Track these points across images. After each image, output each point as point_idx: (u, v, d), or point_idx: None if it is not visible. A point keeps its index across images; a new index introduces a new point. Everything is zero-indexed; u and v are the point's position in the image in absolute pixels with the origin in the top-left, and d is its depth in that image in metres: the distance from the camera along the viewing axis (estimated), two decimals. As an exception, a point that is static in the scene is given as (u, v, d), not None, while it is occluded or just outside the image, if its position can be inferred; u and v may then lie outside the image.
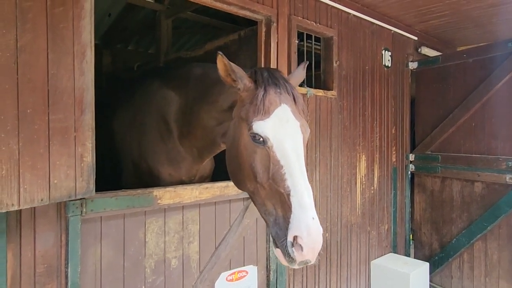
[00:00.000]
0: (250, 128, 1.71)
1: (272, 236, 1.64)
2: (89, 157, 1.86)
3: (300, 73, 2.11)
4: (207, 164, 2.80)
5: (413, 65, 4.62)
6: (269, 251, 2.95)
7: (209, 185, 2.53)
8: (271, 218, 1.65)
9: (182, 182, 2.63)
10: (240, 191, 2.67)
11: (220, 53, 1.75)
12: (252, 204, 2.79)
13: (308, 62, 2.13)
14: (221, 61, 1.77)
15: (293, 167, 1.63)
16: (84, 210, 1.94)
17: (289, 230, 1.52)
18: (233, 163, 1.85)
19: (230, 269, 2.70)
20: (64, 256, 1.91)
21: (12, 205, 1.52)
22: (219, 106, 2.10)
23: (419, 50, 4.81)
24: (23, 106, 1.55)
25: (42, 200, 1.64)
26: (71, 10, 1.77)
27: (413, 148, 4.72)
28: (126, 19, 5.55)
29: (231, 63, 1.79)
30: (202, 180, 2.81)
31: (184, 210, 2.43)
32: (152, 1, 4.63)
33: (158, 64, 4.51)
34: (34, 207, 1.80)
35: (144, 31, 5.80)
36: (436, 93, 4.48)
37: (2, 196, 1.48)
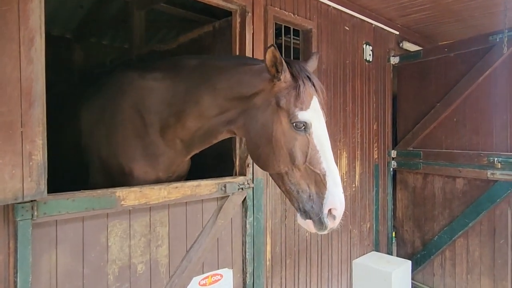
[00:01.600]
0: (294, 117, 1.92)
1: (305, 210, 1.95)
2: (39, 155, 1.68)
3: (314, 64, 2.25)
4: (185, 163, 2.66)
5: (394, 60, 4.55)
6: (245, 252, 2.81)
7: (178, 184, 2.37)
8: (304, 195, 1.94)
9: (159, 180, 2.49)
10: (213, 190, 2.55)
11: (274, 45, 1.88)
12: (226, 204, 2.65)
13: (319, 53, 2.39)
14: (273, 53, 1.89)
15: (327, 152, 1.94)
16: (36, 213, 1.76)
17: (324, 204, 1.88)
18: (265, 148, 2.00)
19: (203, 273, 2.55)
20: (12, 264, 1.72)
21: None
22: (229, 94, 2.14)
23: (401, 45, 4.75)
24: (-45, 98, 1.37)
25: (-20, 203, 1.46)
26: (16, -9, 1.59)
27: (395, 144, 4.65)
28: (99, 12, 5.31)
29: (280, 55, 1.92)
30: (179, 180, 2.65)
31: (152, 212, 2.27)
32: (122, -9, 4.42)
33: (129, 58, 4.31)
34: (-25, 211, 1.62)
35: (118, 25, 5.57)
36: (417, 88, 4.42)
37: None
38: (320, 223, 1.89)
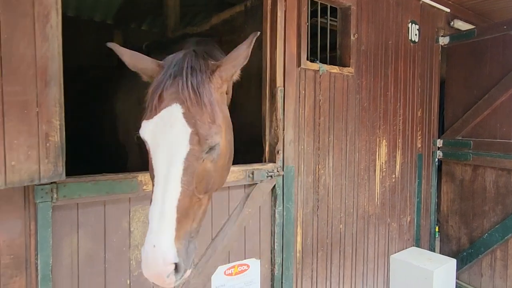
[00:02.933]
0: (139, 127, 1.46)
1: None
2: (57, 136, 1.63)
3: (242, 52, 1.58)
4: None
5: (444, 40, 4.14)
6: (274, 243, 2.68)
7: (203, 170, 2.27)
8: None
9: None
10: (240, 177, 2.43)
11: (110, 43, 1.56)
12: (254, 192, 2.53)
13: (259, 33, 1.61)
14: (113, 47, 1.56)
15: (157, 182, 1.37)
16: (56, 196, 1.73)
17: None
18: None
19: (228, 263, 2.45)
20: (33, 247, 1.71)
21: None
22: None
23: (452, 23, 4.31)
24: (-32, 75, 1.33)
25: (-5, 184, 1.43)
26: (31, -35, 1.52)
27: (441, 133, 4.28)
28: (130, 6, 5.32)
29: (121, 49, 1.57)
30: None
31: (175, 198, 2.19)
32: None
33: (161, 40, 4.27)
34: (-6, 192, 1.60)
35: (157, 11, 5.55)
36: (469, 71, 4.00)
37: None
38: None
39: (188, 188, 1.37)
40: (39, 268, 1.70)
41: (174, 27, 4.39)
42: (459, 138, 4.04)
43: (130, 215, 2.03)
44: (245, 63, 1.61)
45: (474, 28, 4.07)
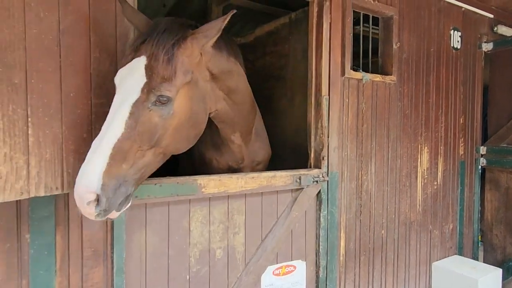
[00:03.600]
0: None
1: None
2: (133, 143, 1.83)
3: (214, 24, 1.72)
4: (256, 150, 2.72)
5: (487, 46, 4.10)
6: (318, 246, 2.78)
7: (255, 174, 2.42)
8: None
9: (231, 169, 2.61)
10: (288, 182, 2.56)
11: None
12: (300, 196, 2.65)
13: (235, 11, 1.74)
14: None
15: (106, 120, 1.51)
16: (129, 196, 1.92)
17: None
18: None
19: (277, 263, 2.58)
20: (110, 241, 1.92)
21: (56, 188, 1.53)
22: None
23: (495, 29, 4.25)
24: (66, 90, 1.55)
25: (85, 184, 1.63)
26: (115, -8, 1.73)
27: (484, 140, 4.22)
28: (180, 9, 5.60)
29: (127, 3, 1.74)
30: (255, 165, 2.74)
31: (230, 200, 2.35)
32: (203, -10, 4.60)
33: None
34: (80, 192, 1.81)
35: (198, 20, 5.82)
36: (514, 77, 3.94)
37: (46, 180, 1.49)
38: None
39: (129, 132, 1.49)
40: (114, 260, 1.90)
41: (217, 38, 4.60)
42: (504, 145, 3.98)
43: (190, 215, 2.20)
44: (217, 35, 1.73)
45: (520, 33, 4.00)
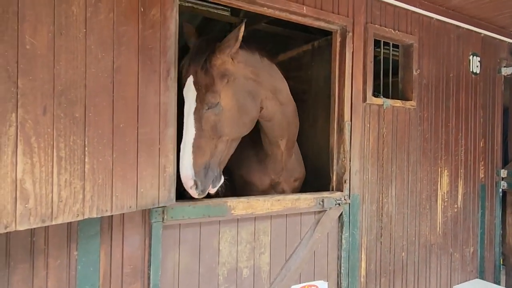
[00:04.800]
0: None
1: None
2: (171, 168, 1.98)
3: (232, 34, 2.16)
4: (297, 165, 3.00)
5: (506, 71, 4.16)
6: (340, 267, 2.86)
7: (280, 197, 2.53)
8: None
9: (271, 182, 2.89)
10: (311, 204, 2.67)
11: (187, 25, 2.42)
12: (323, 218, 2.74)
13: (245, 20, 2.27)
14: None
15: (184, 125, 2.12)
16: (165, 217, 2.07)
17: None
18: None
19: (300, 283, 2.66)
20: (147, 259, 2.05)
21: (106, 211, 1.68)
22: None
23: (514, 54, 4.32)
24: (117, 121, 1.71)
25: (130, 207, 1.78)
26: (159, 32, 1.92)
27: (505, 163, 4.23)
28: (204, 32, 5.85)
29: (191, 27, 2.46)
30: (292, 181, 2.98)
31: (256, 221, 2.47)
32: (227, 14, 4.81)
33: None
34: (123, 213, 1.97)
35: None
36: (535, 102, 3.97)
37: (98, 203, 1.65)
38: None
39: (199, 132, 2.08)
40: (151, 277, 2.03)
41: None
42: (525, 169, 3.99)
43: (220, 236, 2.33)
44: (237, 42, 2.16)
45: (539, 59, 4.05)
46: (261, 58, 2.45)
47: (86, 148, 1.59)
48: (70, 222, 1.79)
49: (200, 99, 2.10)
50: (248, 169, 2.81)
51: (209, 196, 2.26)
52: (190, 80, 2.13)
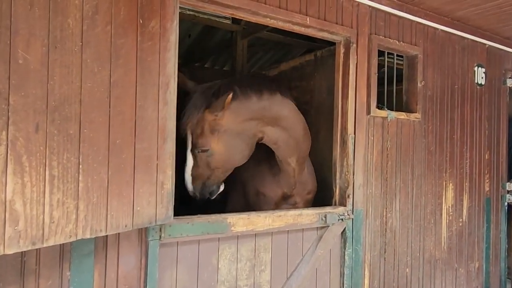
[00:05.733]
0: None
1: None
2: (169, 184, 1.91)
3: (221, 101, 2.30)
4: (309, 178, 2.96)
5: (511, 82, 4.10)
6: (343, 284, 2.77)
7: (282, 213, 2.46)
8: None
9: (285, 196, 2.90)
10: (314, 220, 2.59)
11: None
12: (326, 234, 2.67)
13: (231, 93, 2.30)
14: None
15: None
16: (163, 234, 2.00)
17: None
18: None
19: (301, 301, 2.58)
20: (143, 278, 1.98)
21: (100, 230, 1.61)
22: None
23: (520, 65, 4.26)
24: (113, 137, 1.65)
25: (126, 226, 1.71)
26: (158, 44, 1.85)
27: (511, 176, 4.15)
28: (205, 39, 5.81)
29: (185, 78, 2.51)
30: (305, 194, 2.95)
31: (257, 238, 2.39)
32: (229, 22, 4.78)
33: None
34: (119, 231, 1.89)
35: (221, 50, 6.02)
36: (541, 114, 3.91)
37: (92, 222, 1.57)
38: None
39: (195, 165, 2.41)
40: (147, 298, 1.96)
41: (241, 68, 4.75)
42: (531, 182, 3.91)
43: (219, 253, 2.25)
44: (223, 109, 2.32)
45: (545, 70, 4.00)
46: (259, 98, 2.46)
47: (81, 166, 1.53)
48: (63, 242, 1.72)
49: (193, 143, 2.38)
50: (262, 182, 2.88)
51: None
52: (187, 126, 2.38)
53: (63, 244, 1.73)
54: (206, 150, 2.36)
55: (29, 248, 1.38)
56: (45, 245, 1.43)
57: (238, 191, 3.01)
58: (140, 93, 1.76)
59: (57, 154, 1.45)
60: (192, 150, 2.39)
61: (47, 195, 1.43)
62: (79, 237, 1.53)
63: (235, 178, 2.88)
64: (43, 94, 1.40)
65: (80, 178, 1.53)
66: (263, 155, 2.81)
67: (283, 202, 2.93)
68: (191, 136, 2.38)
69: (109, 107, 1.63)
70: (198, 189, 2.45)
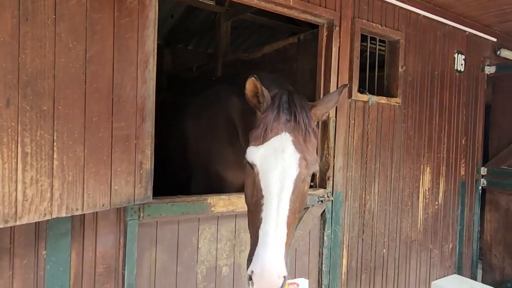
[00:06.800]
0: (244, 151, 1.65)
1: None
2: (148, 164, 1.89)
3: (333, 97, 1.89)
4: None
5: (490, 70, 4.19)
6: (321, 264, 2.83)
7: (262, 194, 2.48)
8: (251, 240, 1.57)
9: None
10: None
11: (254, 75, 1.66)
12: (306, 215, 2.70)
13: (348, 85, 1.96)
14: (253, 83, 1.68)
15: (270, 201, 1.51)
16: (142, 214, 1.99)
17: (252, 262, 1.44)
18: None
19: (280, 281, 2.63)
20: (121, 258, 1.97)
21: (77, 209, 1.59)
22: None
23: (498, 53, 4.35)
24: (90, 115, 1.61)
25: (103, 205, 1.69)
26: (137, 20, 1.81)
27: (485, 161, 4.29)
28: (188, 20, 5.70)
29: (262, 85, 1.69)
30: None
31: (237, 219, 2.41)
32: (212, 3, 4.69)
33: (217, 66, 4.57)
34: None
35: (204, 32, 5.93)
36: (516, 101, 4.02)
37: (68, 201, 1.55)
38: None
39: (293, 206, 1.54)
40: (125, 277, 1.96)
41: (224, 50, 4.69)
42: (505, 167, 4.04)
43: (199, 233, 2.26)
44: (334, 106, 1.97)
45: (522, 58, 4.09)
46: None
47: (55, 143, 1.49)
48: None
49: (305, 164, 1.59)
50: (225, 166, 2.61)
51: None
52: (284, 138, 1.60)
53: (38, 223, 1.70)
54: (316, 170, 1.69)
55: (1, 225, 1.35)
56: (18, 223, 1.40)
57: (201, 176, 2.78)
58: (117, 71, 1.72)
59: (30, 131, 1.41)
60: (298, 178, 1.57)
61: (19, 172, 1.39)
62: (54, 216, 1.51)
63: (197, 162, 2.78)
64: (13, 68, 1.35)
65: (54, 156, 1.49)
66: (225, 139, 2.56)
67: None
68: (296, 152, 1.58)
69: (85, 84, 1.59)
70: (287, 264, 1.50)
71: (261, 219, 1.50)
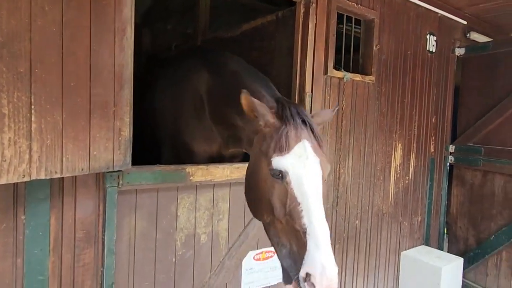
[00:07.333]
0: (269, 163, 1.69)
1: (282, 267, 1.65)
2: (127, 131, 1.93)
3: (327, 114, 2.08)
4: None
5: (460, 51, 4.36)
6: (297, 234, 2.96)
7: (240, 165, 2.55)
8: (284, 250, 1.64)
9: (212, 156, 2.69)
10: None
11: (245, 91, 1.72)
12: (282, 186, 2.80)
13: (338, 106, 2.19)
14: (245, 99, 1.74)
15: (310, 205, 1.60)
16: (121, 182, 2.03)
17: (302, 265, 1.51)
18: (251, 193, 1.86)
19: (257, 249, 2.74)
20: (101, 224, 2.02)
21: (56, 172, 1.62)
22: (244, 118, 1.99)
23: (468, 35, 4.52)
24: (67, 79, 1.62)
25: (82, 169, 1.72)
26: (114, -13, 1.81)
27: (454, 139, 4.50)
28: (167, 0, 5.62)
29: (254, 101, 1.74)
30: (233, 158, 2.85)
31: (215, 188, 2.48)
32: (191, -19, 4.65)
33: (195, 44, 4.55)
34: (75, 176, 1.91)
35: (184, 11, 5.86)
36: (483, 81, 4.21)
37: (47, 164, 1.58)
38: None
39: (324, 206, 1.70)
40: (105, 242, 2.01)
41: (204, 29, 4.68)
42: (471, 144, 4.27)
43: (178, 202, 2.33)
44: (329, 121, 2.12)
45: (490, 41, 4.28)
46: None
47: (33, 106, 1.51)
48: (17, 185, 1.71)
49: (324, 168, 1.73)
50: (192, 138, 2.63)
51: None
52: (306, 145, 1.69)
53: (16, 187, 1.72)
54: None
55: (-19, 184, 1.38)
56: (-3, 183, 1.42)
57: (170, 147, 2.81)
58: (94, 37, 1.73)
59: (7, 92, 1.42)
60: (323, 182, 1.72)
61: (-3, 133, 1.41)
62: (33, 177, 1.53)
63: (166, 134, 2.81)
64: (-11, 28, 1.36)
65: (32, 119, 1.51)
66: (193, 112, 2.58)
67: (215, 160, 2.73)
68: (316, 157, 1.70)
69: (62, 48, 1.59)
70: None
71: (304, 224, 1.57)
